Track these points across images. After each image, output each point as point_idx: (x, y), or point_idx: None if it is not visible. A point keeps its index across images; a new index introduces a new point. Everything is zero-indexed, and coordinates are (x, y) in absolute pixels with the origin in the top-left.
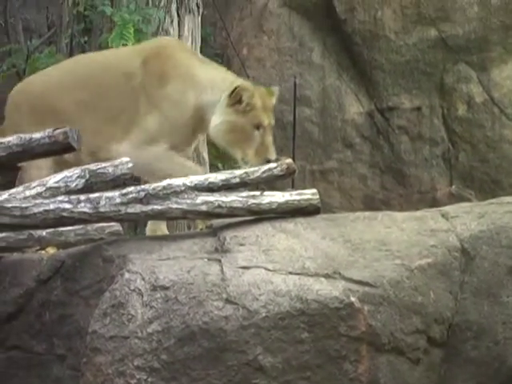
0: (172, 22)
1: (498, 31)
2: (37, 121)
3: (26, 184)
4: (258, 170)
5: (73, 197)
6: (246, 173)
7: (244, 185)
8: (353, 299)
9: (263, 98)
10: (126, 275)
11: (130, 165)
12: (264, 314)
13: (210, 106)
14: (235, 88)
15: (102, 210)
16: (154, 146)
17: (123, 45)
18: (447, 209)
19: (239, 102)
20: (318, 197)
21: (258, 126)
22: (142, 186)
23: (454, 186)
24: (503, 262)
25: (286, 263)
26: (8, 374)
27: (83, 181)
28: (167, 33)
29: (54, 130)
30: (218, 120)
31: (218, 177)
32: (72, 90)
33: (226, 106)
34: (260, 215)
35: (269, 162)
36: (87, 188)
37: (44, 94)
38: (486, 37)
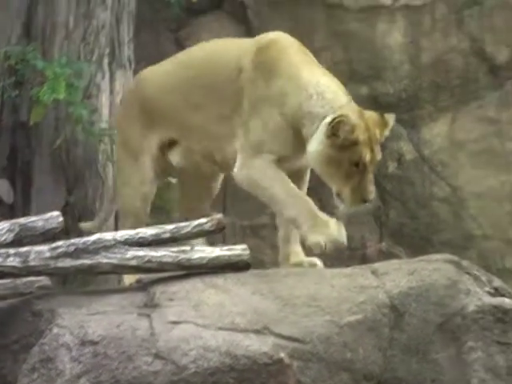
0: (104, 76)
1: (428, 90)
2: (145, 126)
3: None
4: (188, 225)
5: (2, 250)
6: (176, 227)
7: (174, 240)
8: (282, 355)
9: (370, 129)
10: (55, 330)
11: (60, 219)
12: (193, 370)
13: (309, 121)
14: (336, 118)
15: (31, 263)
16: (257, 157)
17: (54, 99)
18: (377, 266)
19: (336, 135)
20: (248, 252)
21: (357, 163)
22: (72, 240)
23: (383, 243)
24: (432, 319)
25: (216, 318)
26: None
27: (12, 234)
28: (99, 87)
29: None
30: (314, 147)
31: (148, 231)
32: (184, 86)
33: (323, 135)
34: (190, 270)
35: (365, 202)
36: (17, 241)
37: (156, 92)
38: (416, 95)
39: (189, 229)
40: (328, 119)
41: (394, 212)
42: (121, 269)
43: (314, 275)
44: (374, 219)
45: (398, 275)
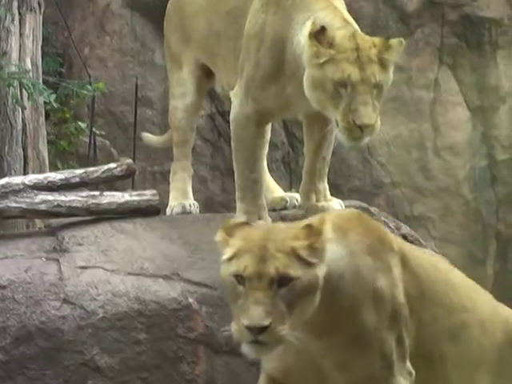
0: (13, 20)
1: None
2: (182, 39)
3: None
4: (97, 170)
5: None
6: (85, 172)
7: (84, 184)
8: (191, 300)
9: (361, 49)
10: None
11: None
12: (101, 315)
13: (297, 44)
14: (314, 26)
15: None
16: (244, 104)
17: None
18: (286, 212)
19: (316, 45)
20: (157, 198)
21: (342, 83)
22: None
23: (293, 190)
24: None
25: (125, 264)
26: None
27: None
28: (8, 30)
29: None
30: (304, 76)
31: (57, 176)
32: (209, 11)
33: (306, 53)
34: (99, 215)
35: (361, 129)
36: None
37: (190, 11)
38: None
39: (98, 173)
40: (307, 27)
41: (303, 159)
42: (30, 213)
43: (222, 221)
44: (284, 166)
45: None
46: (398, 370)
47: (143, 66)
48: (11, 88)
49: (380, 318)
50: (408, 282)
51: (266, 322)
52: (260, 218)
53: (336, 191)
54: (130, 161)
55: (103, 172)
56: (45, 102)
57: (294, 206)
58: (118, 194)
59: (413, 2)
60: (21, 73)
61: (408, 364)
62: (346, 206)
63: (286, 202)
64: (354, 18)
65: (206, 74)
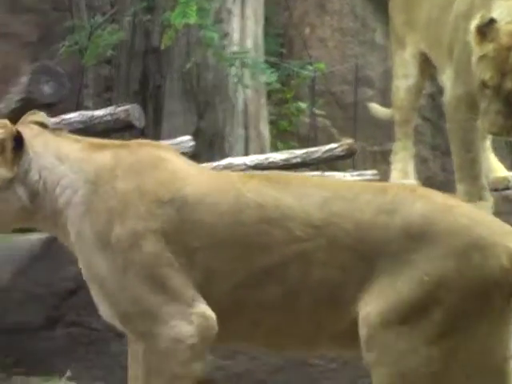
0: (235, 1)
1: None
2: (407, 22)
3: None
4: (318, 150)
5: None
6: (306, 152)
7: (304, 165)
8: None
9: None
10: None
11: (192, 143)
12: None
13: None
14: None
15: None
16: (455, 87)
17: (185, 23)
18: (509, 193)
19: (484, 39)
20: (378, 178)
21: (484, 84)
22: None
23: None
24: None
25: None
26: (67, 349)
27: None
28: (230, 12)
29: (116, 107)
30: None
31: (278, 156)
32: None
33: (473, 46)
34: None
35: (495, 134)
36: None
37: None
38: None
39: (319, 154)
40: (476, 21)
41: None
42: None
43: None
44: (507, 145)
45: None
46: (171, 316)
47: (363, 45)
48: (233, 68)
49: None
50: None
51: None
52: (481, 199)
53: None
54: (350, 141)
55: (324, 152)
56: (266, 83)
57: None
58: (338, 174)
59: None
60: (242, 53)
61: (198, 306)
62: None
63: (509, 181)
64: None
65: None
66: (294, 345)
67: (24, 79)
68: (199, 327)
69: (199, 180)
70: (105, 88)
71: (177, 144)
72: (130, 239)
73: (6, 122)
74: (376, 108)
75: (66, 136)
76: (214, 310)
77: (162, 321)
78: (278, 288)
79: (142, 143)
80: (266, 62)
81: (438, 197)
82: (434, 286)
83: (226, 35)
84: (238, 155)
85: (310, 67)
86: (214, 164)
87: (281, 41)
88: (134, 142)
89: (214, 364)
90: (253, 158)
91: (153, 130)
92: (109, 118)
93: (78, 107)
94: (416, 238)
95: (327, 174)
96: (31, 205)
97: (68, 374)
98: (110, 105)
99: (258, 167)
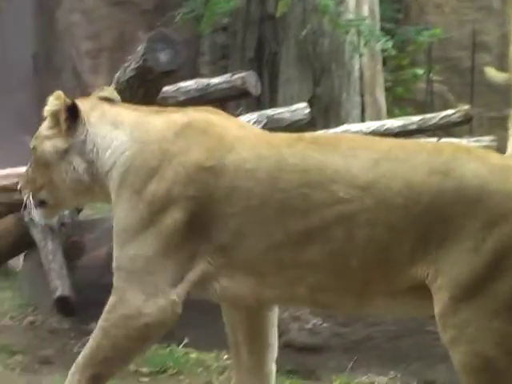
0: None
1: None
2: None
3: None
4: (435, 117)
5: None
6: (423, 119)
7: (421, 131)
8: None
9: None
10: None
11: (307, 110)
12: None
13: None
14: None
15: None
16: None
17: None
18: None
19: None
20: (495, 144)
21: None
22: None
23: None
24: None
25: None
26: (185, 317)
27: (260, 126)
28: None
29: (232, 74)
30: None
31: (394, 123)
32: None
33: None
34: None
35: None
36: None
37: None
38: None
39: (436, 120)
40: None
41: None
42: None
43: None
44: None
45: None
46: (150, 289)
47: (480, 11)
48: (348, 35)
49: None
50: None
51: None
52: None
53: None
54: (467, 107)
55: (441, 119)
56: (382, 50)
57: None
58: (455, 140)
59: None
60: (358, 20)
61: (176, 291)
62: None
63: None
64: None
65: None
66: (341, 302)
67: (140, 47)
68: (163, 311)
69: (244, 146)
70: (221, 55)
71: (292, 111)
72: (162, 200)
73: (61, 93)
74: (493, 72)
75: (124, 105)
76: (248, 268)
77: (138, 289)
78: (319, 248)
79: (197, 108)
80: (382, 28)
81: (494, 157)
82: (495, 254)
83: (341, 2)
84: (353, 122)
85: (427, 33)
86: (331, 131)
87: (397, 7)
88: (191, 107)
89: (331, 331)
90: (369, 125)
91: (268, 98)
92: (225, 85)
93: (194, 75)
94: (471, 201)
95: (444, 140)
96: (88, 176)
97: (186, 341)
98: (226, 72)
99: (374, 134)
